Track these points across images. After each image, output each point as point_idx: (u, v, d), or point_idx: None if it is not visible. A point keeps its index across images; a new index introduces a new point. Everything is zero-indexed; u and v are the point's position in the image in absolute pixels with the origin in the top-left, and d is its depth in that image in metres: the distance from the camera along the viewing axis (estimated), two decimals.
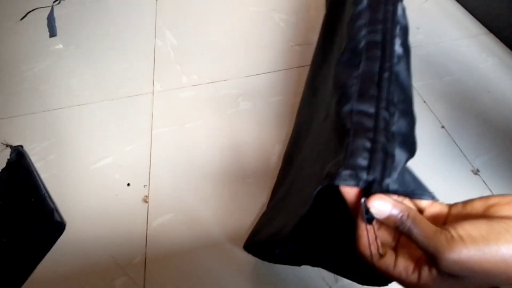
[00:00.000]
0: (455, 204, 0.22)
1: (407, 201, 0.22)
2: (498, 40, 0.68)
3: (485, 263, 0.16)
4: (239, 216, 0.48)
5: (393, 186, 0.22)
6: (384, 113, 0.24)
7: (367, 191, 0.22)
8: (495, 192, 0.48)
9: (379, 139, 0.23)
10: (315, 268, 0.43)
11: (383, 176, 0.22)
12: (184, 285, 0.43)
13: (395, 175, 0.22)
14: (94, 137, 0.60)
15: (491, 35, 0.69)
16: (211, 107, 0.62)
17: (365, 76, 0.26)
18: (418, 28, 0.72)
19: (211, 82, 0.67)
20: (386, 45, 0.27)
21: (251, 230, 0.43)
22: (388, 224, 0.20)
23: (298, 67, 0.68)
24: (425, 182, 0.35)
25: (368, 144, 0.23)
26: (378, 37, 0.27)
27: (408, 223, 0.19)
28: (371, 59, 0.27)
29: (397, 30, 0.27)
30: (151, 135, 0.59)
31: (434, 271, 0.18)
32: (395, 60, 0.26)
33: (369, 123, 0.24)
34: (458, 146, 0.53)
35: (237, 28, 0.77)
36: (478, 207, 0.20)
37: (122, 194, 0.52)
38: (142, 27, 0.80)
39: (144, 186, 0.52)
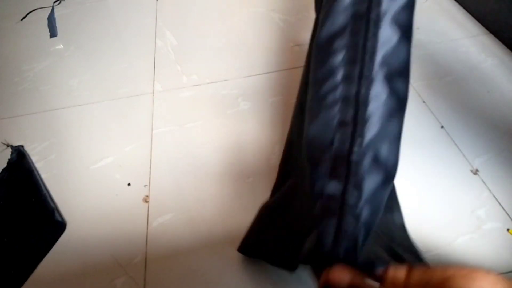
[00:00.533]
0: (416, 269, 0.23)
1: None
2: (497, 41, 0.68)
3: None
4: (239, 216, 0.48)
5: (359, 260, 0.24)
6: (349, 199, 0.25)
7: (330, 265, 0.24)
8: (493, 191, 0.48)
9: (345, 223, 0.24)
10: None
11: (346, 257, 0.24)
12: (185, 284, 0.43)
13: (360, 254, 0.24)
14: (94, 137, 0.60)
15: (491, 35, 0.69)
16: (211, 107, 0.62)
17: (336, 157, 0.26)
18: (418, 28, 0.73)
19: (211, 82, 0.67)
20: (356, 126, 0.26)
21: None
22: None
23: (297, 67, 0.68)
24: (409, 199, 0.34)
25: (332, 231, 0.25)
26: (349, 117, 0.26)
27: None
28: (342, 141, 0.26)
29: (369, 109, 0.26)
30: (152, 135, 0.59)
31: None
32: (366, 141, 0.25)
33: (335, 205, 0.25)
34: (457, 146, 0.53)
35: (237, 29, 0.77)
36: (437, 276, 0.21)
37: (123, 194, 0.52)
38: (142, 27, 0.80)
39: (144, 186, 0.52)
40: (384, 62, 0.26)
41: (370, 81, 0.26)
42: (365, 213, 0.25)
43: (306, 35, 0.74)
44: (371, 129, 0.26)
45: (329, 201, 0.25)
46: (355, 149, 0.26)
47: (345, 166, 0.25)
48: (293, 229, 0.35)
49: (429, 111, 0.58)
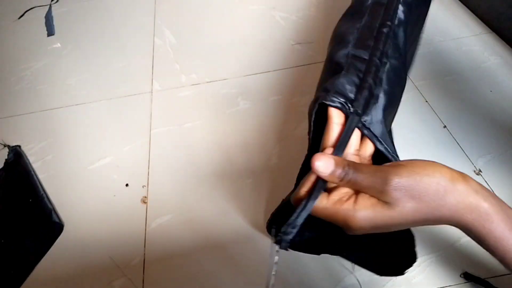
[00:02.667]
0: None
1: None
2: (500, 39, 0.67)
3: (421, 189, 0.19)
4: (239, 217, 0.48)
5: (368, 120, 0.24)
6: (376, 61, 0.26)
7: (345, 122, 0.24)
8: (496, 192, 0.47)
9: (368, 79, 0.25)
10: (320, 263, 0.42)
11: (364, 111, 0.24)
12: (183, 286, 0.43)
13: (376, 115, 0.25)
14: (92, 137, 0.59)
15: (494, 34, 0.68)
16: (210, 107, 0.62)
17: (365, 28, 0.29)
18: None
19: (211, 81, 0.66)
20: (390, 6, 0.29)
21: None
22: (333, 180, 0.21)
23: (298, 66, 0.67)
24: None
25: (357, 80, 0.26)
26: (384, 0, 0.29)
27: (351, 172, 0.20)
28: (374, 16, 0.29)
29: None
30: (150, 135, 0.58)
31: (372, 199, 0.20)
32: (396, 21, 0.28)
33: (361, 65, 0.26)
34: (460, 146, 0.52)
35: (237, 27, 0.76)
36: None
37: (121, 194, 0.51)
38: (141, 26, 0.79)
39: (142, 186, 0.52)
40: None
41: None
42: (385, 83, 0.26)
43: (307, 34, 0.73)
44: (400, 14, 0.29)
45: (356, 61, 0.27)
46: (388, 22, 0.28)
47: (373, 38, 0.27)
48: None
49: (432, 110, 0.57)
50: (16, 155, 0.57)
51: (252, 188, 0.50)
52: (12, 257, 0.47)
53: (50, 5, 0.86)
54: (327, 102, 0.24)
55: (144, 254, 0.45)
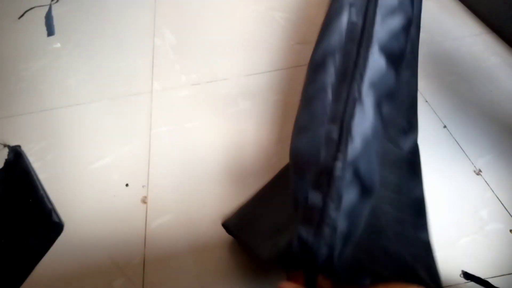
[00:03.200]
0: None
1: None
2: (500, 39, 0.67)
3: None
4: None
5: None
6: (329, 220, 0.26)
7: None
8: (496, 192, 0.47)
9: (320, 247, 0.26)
10: None
11: (322, 264, 0.26)
12: (183, 286, 0.43)
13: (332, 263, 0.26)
14: (92, 137, 0.59)
15: (494, 34, 0.68)
16: (210, 107, 0.62)
17: (322, 166, 0.28)
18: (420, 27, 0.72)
19: (211, 81, 0.66)
20: (341, 140, 0.27)
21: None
22: None
23: (298, 66, 0.67)
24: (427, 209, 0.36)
25: (311, 238, 0.26)
26: (335, 135, 0.28)
27: None
28: (329, 151, 0.28)
29: (353, 129, 0.27)
30: (150, 135, 0.58)
31: None
32: (349, 156, 0.27)
33: (315, 215, 0.27)
34: (460, 146, 0.52)
35: (237, 27, 0.76)
36: None
37: (121, 194, 0.51)
38: (141, 26, 0.79)
39: (142, 186, 0.52)
40: (372, 85, 0.28)
41: (356, 103, 0.27)
42: (342, 225, 0.26)
43: (306, 34, 0.73)
44: (354, 148, 0.27)
45: (310, 211, 0.27)
46: (338, 165, 0.27)
47: (327, 180, 0.27)
48: (274, 218, 0.37)
49: (432, 110, 0.57)
50: (16, 155, 0.57)
51: (252, 188, 0.50)
52: (12, 257, 0.47)
53: (50, 5, 0.86)
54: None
55: (144, 254, 0.45)
